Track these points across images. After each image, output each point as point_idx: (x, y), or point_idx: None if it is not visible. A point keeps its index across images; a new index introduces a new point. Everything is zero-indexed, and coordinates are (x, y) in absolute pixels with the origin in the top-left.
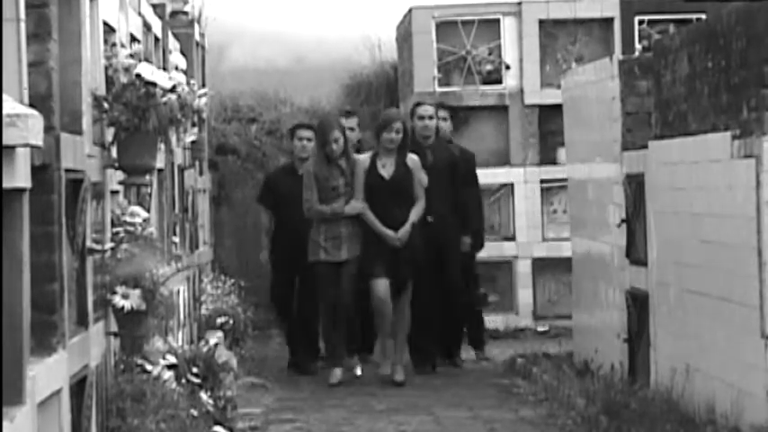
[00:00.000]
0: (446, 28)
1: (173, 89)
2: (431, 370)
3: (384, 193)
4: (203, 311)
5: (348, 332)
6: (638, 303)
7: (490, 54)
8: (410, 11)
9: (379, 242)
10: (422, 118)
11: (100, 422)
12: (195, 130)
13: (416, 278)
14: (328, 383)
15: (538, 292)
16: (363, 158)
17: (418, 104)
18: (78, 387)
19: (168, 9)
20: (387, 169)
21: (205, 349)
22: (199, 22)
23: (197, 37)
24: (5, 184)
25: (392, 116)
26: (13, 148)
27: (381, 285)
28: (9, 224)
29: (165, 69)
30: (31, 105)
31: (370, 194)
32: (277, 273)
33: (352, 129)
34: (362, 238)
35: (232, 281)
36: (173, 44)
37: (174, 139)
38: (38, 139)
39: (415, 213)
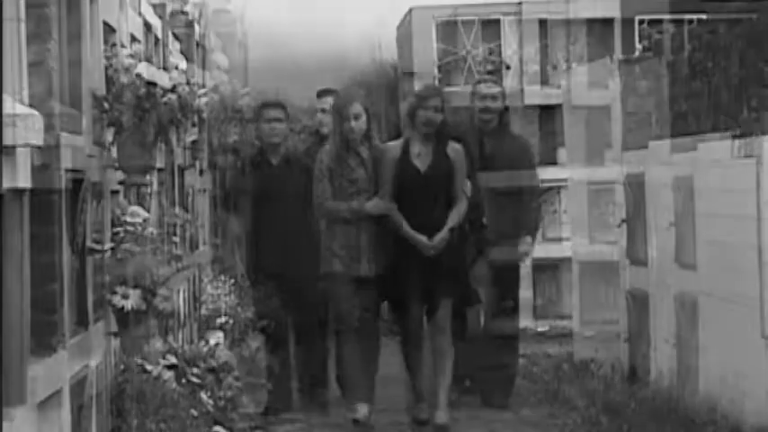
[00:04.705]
0: (446, 28)
1: (173, 89)
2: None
3: (418, 190)
4: (203, 311)
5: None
6: (638, 303)
7: (490, 54)
8: (410, 11)
9: (410, 253)
10: (483, 98)
11: (100, 422)
12: (195, 129)
13: (458, 296)
14: (352, 418)
15: (538, 292)
16: (392, 146)
17: (479, 82)
18: (78, 387)
19: (168, 9)
20: (422, 159)
21: (205, 349)
22: (199, 23)
23: (197, 37)
24: (5, 184)
25: (429, 91)
26: (13, 148)
27: (414, 312)
28: (9, 224)
29: (165, 69)
30: (31, 105)
31: (401, 191)
32: (260, 292)
33: (324, 110)
34: (389, 247)
35: (232, 281)
36: (173, 44)
37: (174, 139)
38: (38, 139)
39: (454, 217)
